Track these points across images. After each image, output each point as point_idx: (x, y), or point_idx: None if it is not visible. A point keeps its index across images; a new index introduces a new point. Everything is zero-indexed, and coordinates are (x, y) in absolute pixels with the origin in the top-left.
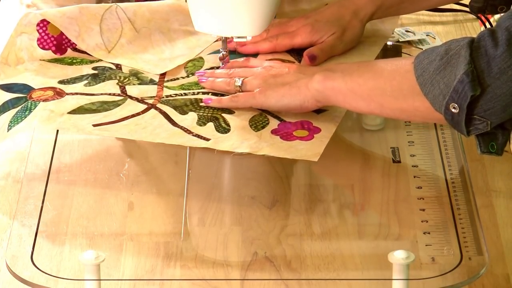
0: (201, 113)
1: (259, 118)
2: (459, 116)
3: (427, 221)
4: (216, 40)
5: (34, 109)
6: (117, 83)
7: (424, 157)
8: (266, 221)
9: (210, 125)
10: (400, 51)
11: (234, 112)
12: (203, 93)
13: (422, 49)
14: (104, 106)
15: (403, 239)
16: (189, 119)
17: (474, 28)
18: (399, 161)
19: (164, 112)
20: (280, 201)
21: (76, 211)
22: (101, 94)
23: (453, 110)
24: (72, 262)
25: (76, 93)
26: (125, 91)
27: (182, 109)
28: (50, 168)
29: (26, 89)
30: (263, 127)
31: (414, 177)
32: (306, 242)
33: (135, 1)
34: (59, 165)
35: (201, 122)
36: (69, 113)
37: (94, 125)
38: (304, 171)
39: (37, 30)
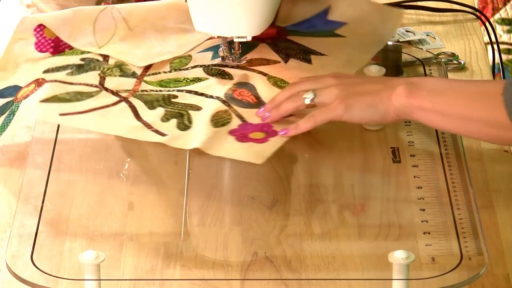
0: (169, 109)
1: (223, 115)
2: None
3: (427, 221)
4: (209, 39)
5: (17, 110)
6: (99, 74)
7: (424, 157)
8: (266, 221)
9: (173, 121)
10: (400, 50)
11: (202, 108)
12: (178, 90)
13: (422, 49)
14: (78, 97)
15: (403, 239)
16: (155, 115)
17: (474, 28)
18: (399, 161)
19: (133, 106)
20: (280, 201)
21: (76, 211)
22: (79, 84)
23: None
24: (72, 262)
25: (56, 81)
26: (103, 82)
27: (152, 104)
28: (50, 168)
29: (15, 90)
30: (222, 125)
31: (414, 177)
32: (306, 242)
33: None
34: (59, 165)
35: (165, 118)
36: (41, 101)
37: (61, 114)
38: (304, 171)
39: (34, 35)
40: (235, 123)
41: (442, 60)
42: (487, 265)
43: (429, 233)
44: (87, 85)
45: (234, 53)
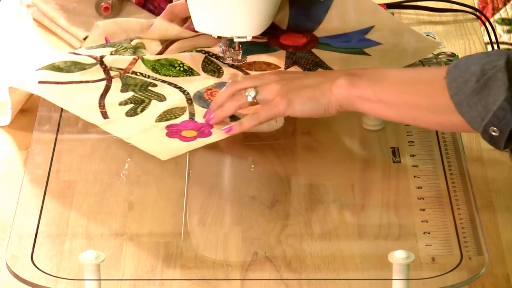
0: (138, 95)
1: (176, 111)
2: (499, 138)
3: (427, 221)
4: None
5: None
6: (111, 51)
7: (424, 157)
8: (266, 221)
9: (128, 107)
10: None
11: (165, 100)
12: (163, 81)
13: None
14: (71, 68)
15: (403, 239)
16: (119, 97)
17: (474, 28)
18: (399, 161)
19: (109, 86)
20: (280, 201)
21: (76, 211)
22: (86, 55)
23: (493, 133)
24: (72, 262)
25: (74, 53)
26: (103, 57)
27: (127, 87)
28: (50, 168)
29: None
30: (166, 120)
31: (414, 177)
32: (306, 242)
33: None
34: (59, 165)
35: (125, 102)
36: (38, 69)
37: (40, 82)
38: (304, 171)
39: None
40: (180, 119)
41: (442, 60)
42: (487, 265)
43: (429, 233)
44: (90, 57)
45: (234, 53)
